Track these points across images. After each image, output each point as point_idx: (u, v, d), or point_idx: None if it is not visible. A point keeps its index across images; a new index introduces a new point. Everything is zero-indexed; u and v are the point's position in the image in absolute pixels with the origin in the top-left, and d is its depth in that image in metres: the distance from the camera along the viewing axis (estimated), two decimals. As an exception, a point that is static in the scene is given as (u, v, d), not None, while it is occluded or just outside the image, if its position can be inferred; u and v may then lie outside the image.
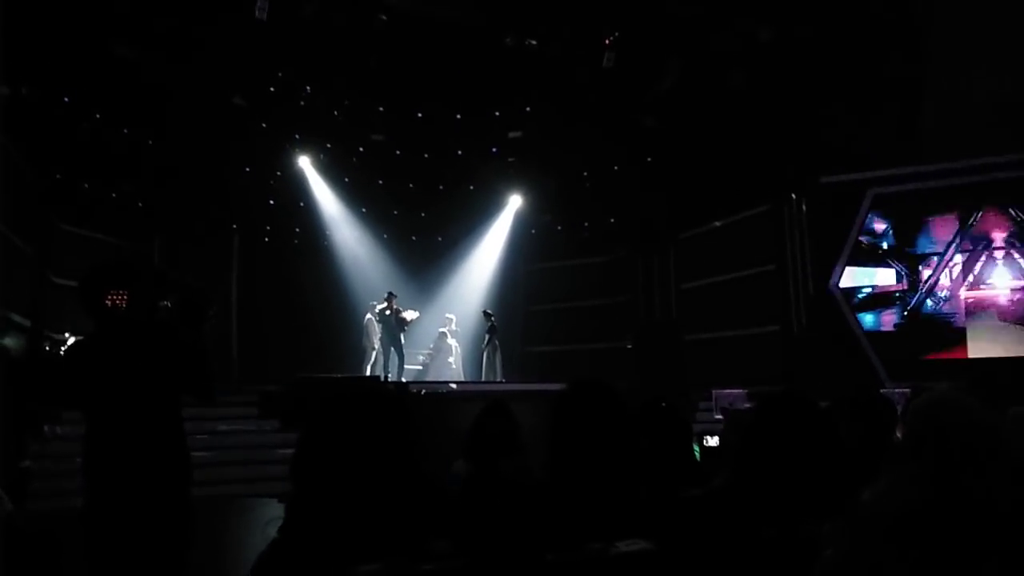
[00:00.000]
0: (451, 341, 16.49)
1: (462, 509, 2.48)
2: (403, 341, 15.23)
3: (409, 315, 15.10)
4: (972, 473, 1.31)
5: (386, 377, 13.96)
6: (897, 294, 11.99)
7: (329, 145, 15.57)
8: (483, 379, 15.49)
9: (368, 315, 15.78)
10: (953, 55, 11.41)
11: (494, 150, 16.04)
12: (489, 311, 16.36)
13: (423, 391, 12.08)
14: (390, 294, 15.19)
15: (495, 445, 3.53)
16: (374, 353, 15.56)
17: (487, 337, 15.76)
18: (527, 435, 3.74)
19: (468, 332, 17.73)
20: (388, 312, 14.88)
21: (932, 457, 1.53)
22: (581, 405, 2.24)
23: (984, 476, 1.31)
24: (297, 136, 15.31)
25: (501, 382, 15.20)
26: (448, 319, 16.99)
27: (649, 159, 15.56)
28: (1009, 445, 2.87)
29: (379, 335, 15.13)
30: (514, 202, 17.89)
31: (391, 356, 15.02)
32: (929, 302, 11.78)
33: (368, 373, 14.99)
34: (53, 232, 12.45)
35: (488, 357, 15.62)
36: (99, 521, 2.98)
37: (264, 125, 14.54)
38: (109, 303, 3.02)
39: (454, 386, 13.54)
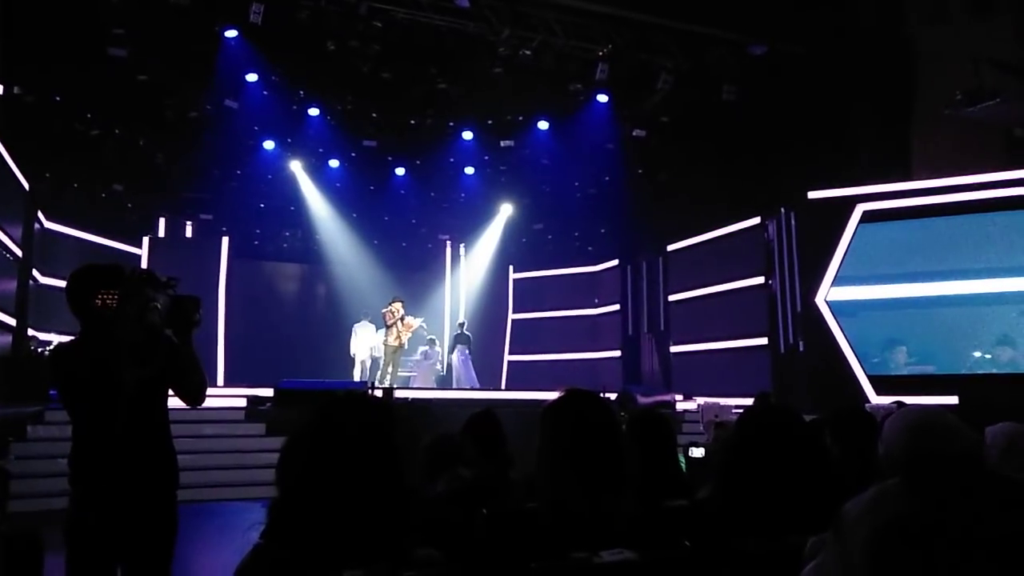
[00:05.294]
0: (439, 348, 16.50)
1: (446, 517, 2.48)
2: (405, 347, 15.01)
3: (415, 321, 14.86)
4: (948, 490, 1.32)
5: (373, 384, 13.88)
6: (884, 308, 12.05)
7: (321, 150, 15.57)
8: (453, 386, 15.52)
9: (363, 321, 15.69)
10: (942, 72, 11.53)
11: (486, 158, 16.08)
12: (462, 321, 16.69)
13: (409, 399, 12.06)
14: (395, 299, 14.74)
15: (482, 454, 3.54)
16: (364, 360, 15.49)
17: (455, 346, 15.93)
18: (512, 444, 3.74)
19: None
20: (393, 316, 14.39)
21: (907, 474, 1.54)
22: (571, 415, 2.24)
23: (960, 492, 1.32)
24: (289, 140, 15.31)
25: (476, 389, 15.20)
26: (461, 324, 17.11)
27: (640, 170, 15.64)
28: (991, 464, 2.89)
29: (384, 340, 14.72)
30: (505, 210, 17.93)
31: (389, 362, 14.59)
32: (914, 317, 11.84)
33: (357, 379, 14.92)
34: (41, 231, 12.37)
35: (458, 365, 15.79)
36: (83, 523, 2.96)
37: (256, 128, 14.54)
38: (99, 303, 2.99)
39: (440, 394, 13.52)
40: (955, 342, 11.46)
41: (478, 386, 15.64)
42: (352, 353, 15.63)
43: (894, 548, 1.14)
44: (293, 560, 1.69)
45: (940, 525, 1.22)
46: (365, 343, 15.58)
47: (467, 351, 16.05)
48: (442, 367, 16.66)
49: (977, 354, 11.33)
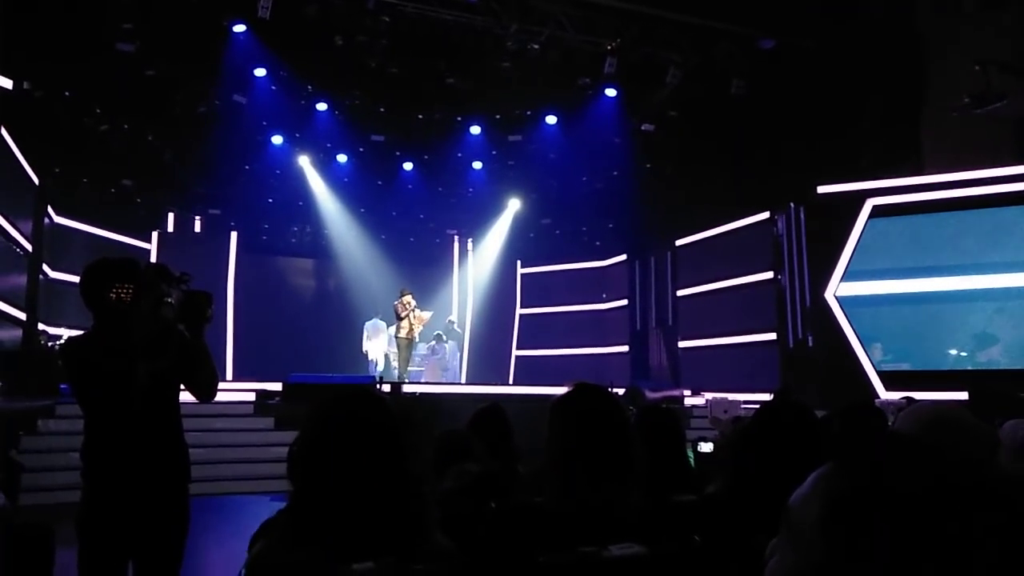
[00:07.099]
0: (446, 343, 16.51)
1: (453, 512, 2.48)
2: (417, 340, 14.85)
3: (426, 314, 14.73)
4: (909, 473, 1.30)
5: (381, 380, 13.84)
6: (892, 304, 12.00)
7: (329, 144, 15.59)
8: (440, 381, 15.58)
9: (374, 320, 15.67)
10: (953, 65, 11.45)
11: (494, 153, 16.07)
12: (451, 319, 16.93)
13: (417, 393, 12.07)
14: (405, 291, 14.37)
15: (489, 449, 3.54)
16: (379, 356, 15.49)
17: (448, 342, 16.03)
18: (520, 439, 3.74)
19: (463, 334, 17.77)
20: (405, 308, 14.06)
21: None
22: (579, 410, 2.24)
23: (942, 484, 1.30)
24: (297, 135, 15.33)
25: (460, 383, 15.31)
26: (450, 322, 17.09)
27: (648, 165, 15.60)
28: (1006, 458, 2.87)
29: (395, 334, 14.58)
30: (513, 205, 17.91)
31: (403, 356, 14.37)
32: (925, 312, 11.79)
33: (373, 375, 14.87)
34: (51, 226, 12.43)
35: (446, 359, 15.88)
36: (95, 517, 2.97)
37: (264, 123, 14.57)
38: (113, 296, 3.00)
39: (449, 389, 13.53)
40: (944, 339, 11.49)
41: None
42: (364, 351, 15.61)
43: (846, 518, 1.14)
44: (304, 552, 1.69)
45: (876, 497, 1.20)
46: (378, 342, 15.57)
47: (456, 348, 16.24)
48: (447, 362, 16.67)
49: (953, 351, 11.32)
